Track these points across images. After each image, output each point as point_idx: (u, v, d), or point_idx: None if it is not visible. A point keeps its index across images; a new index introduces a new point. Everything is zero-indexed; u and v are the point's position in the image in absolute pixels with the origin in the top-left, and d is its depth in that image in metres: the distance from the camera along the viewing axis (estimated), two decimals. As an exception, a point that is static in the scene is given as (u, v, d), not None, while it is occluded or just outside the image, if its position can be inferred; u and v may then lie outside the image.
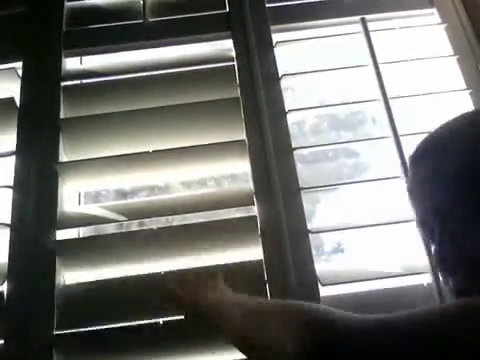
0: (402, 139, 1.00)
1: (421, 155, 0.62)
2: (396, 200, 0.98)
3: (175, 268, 0.93)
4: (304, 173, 1.01)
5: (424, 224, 0.61)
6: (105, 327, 0.88)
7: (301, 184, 0.97)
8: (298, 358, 0.48)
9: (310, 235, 0.93)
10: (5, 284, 0.90)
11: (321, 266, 0.92)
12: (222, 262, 0.94)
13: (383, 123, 1.05)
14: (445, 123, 0.62)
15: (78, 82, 1.12)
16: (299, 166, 1.00)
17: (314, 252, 0.92)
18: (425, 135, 0.64)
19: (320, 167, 1.16)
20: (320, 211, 1.10)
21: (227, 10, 1.16)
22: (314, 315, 0.51)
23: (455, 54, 1.10)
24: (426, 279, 0.91)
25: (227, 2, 1.17)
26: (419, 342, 0.45)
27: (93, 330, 0.88)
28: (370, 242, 1.01)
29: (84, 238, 1.03)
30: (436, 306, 0.62)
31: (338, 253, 1.09)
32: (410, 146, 0.95)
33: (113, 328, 0.88)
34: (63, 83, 1.08)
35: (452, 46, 1.12)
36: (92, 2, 1.19)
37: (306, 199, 0.96)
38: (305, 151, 1.05)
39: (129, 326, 0.87)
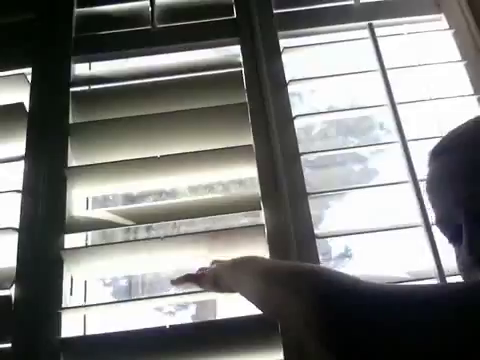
0: (410, 144, 1.00)
1: (446, 148, 0.60)
2: (403, 205, 0.98)
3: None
4: (311, 178, 1.01)
5: (448, 220, 0.58)
6: (112, 331, 0.88)
7: (308, 189, 0.97)
8: (306, 316, 0.46)
9: (317, 240, 0.93)
10: (13, 288, 0.90)
11: (328, 271, 0.91)
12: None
13: (391, 128, 1.05)
14: (462, 124, 0.61)
15: (87, 88, 1.13)
16: (306, 171, 0.99)
17: (321, 257, 0.92)
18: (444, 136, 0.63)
19: (327, 172, 1.16)
20: (327, 216, 1.10)
21: (235, 16, 1.17)
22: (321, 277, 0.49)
23: (462, 59, 1.10)
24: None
25: (235, 8, 1.17)
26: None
27: (100, 334, 0.89)
28: (377, 247, 1.00)
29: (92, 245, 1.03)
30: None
31: (345, 258, 1.09)
32: (418, 151, 0.96)
33: (120, 332, 0.88)
34: (72, 89, 1.09)
35: (460, 51, 1.11)
36: (101, 9, 1.20)
37: (313, 204, 0.96)
38: (312, 156, 1.05)
39: (136, 330, 0.87)
